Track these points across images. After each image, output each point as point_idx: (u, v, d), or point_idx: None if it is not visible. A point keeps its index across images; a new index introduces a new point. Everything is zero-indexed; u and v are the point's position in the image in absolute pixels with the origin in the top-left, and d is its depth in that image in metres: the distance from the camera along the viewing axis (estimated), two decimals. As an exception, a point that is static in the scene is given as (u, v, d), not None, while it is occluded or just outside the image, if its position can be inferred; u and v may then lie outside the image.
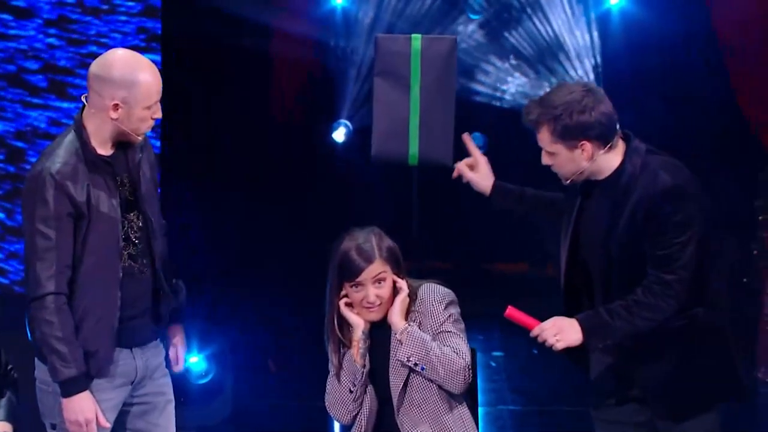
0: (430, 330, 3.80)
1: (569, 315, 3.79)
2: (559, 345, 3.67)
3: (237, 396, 6.99)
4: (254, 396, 7.09)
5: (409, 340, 3.75)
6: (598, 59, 7.50)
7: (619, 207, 3.69)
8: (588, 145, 3.68)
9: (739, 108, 7.11)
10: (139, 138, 3.76)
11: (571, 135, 3.66)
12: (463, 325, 3.86)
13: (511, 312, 3.75)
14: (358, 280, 3.77)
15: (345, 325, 3.86)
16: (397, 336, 3.79)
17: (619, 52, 7.41)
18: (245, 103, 7.37)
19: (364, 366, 3.81)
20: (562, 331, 3.67)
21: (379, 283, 3.78)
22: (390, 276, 3.80)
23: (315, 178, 7.55)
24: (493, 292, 6.56)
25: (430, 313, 3.82)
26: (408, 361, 3.76)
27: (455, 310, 3.84)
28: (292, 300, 7.11)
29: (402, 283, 3.82)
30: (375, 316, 3.82)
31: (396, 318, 3.80)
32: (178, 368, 4.03)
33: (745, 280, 7.29)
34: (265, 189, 7.47)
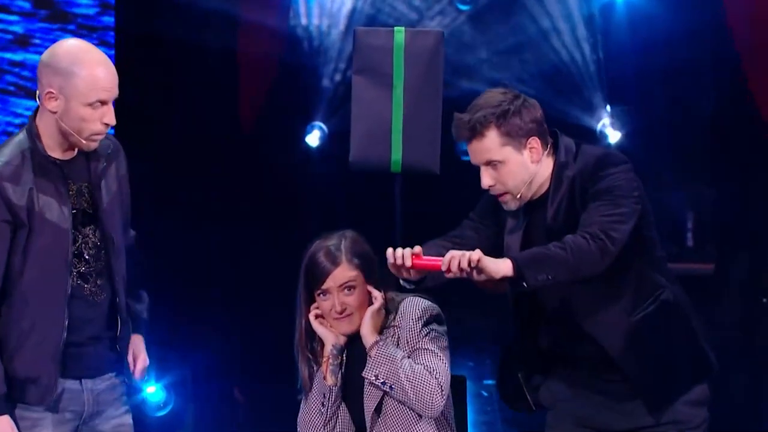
0: (407, 347, 3.79)
1: (523, 338, 3.92)
2: (477, 257, 3.51)
3: (199, 429, 7.03)
4: (218, 429, 7.11)
5: (378, 356, 3.75)
6: (601, 55, 7.48)
7: (555, 194, 3.78)
8: (536, 143, 3.75)
9: (757, 112, 7.09)
10: (87, 144, 3.69)
11: (520, 132, 3.72)
12: (444, 343, 3.83)
13: (417, 262, 3.63)
14: (325, 286, 3.77)
15: (319, 339, 3.86)
16: (367, 351, 3.79)
17: (623, 47, 7.37)
18: (208, 104, 7.32)
19: (335, 384, 3.81)
20: (478, 251, 3.55)
21: (349, 290, 3.77)
22: (362, 284, 3.79)
23: (287, 187, 7.50)
24: (485, 313, 6.52)
25: (408, 329, 3.80)
26: (376, 379, 3.75)
27: (436, 326, 3.83)
28: (261, 321, 7.08)
29: (376, 293, 3.80)
30: (347, 327, 3.80)
31: (366, 331, 3.78)
32: (137, 375, 3.97)
33: (765, 300, 7.30)
34: (232, 199, 7.42)
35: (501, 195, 3.80)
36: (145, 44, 7.10)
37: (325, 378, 3.82)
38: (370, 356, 3.76)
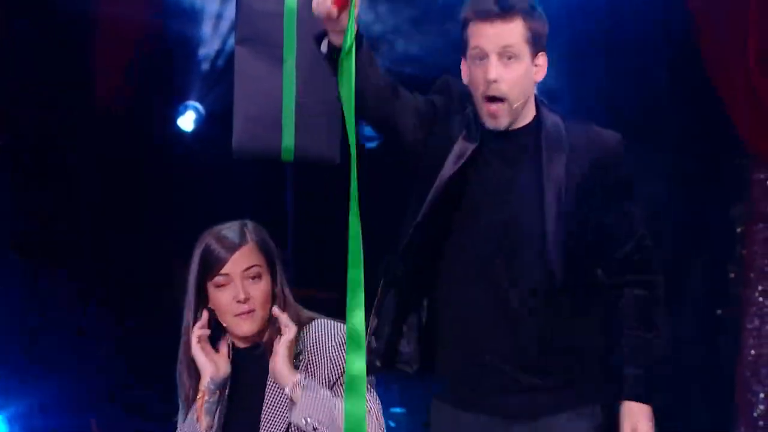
0: (324, 381, 3.68)
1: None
2: None
3: (48, 471, 6.91)
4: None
5: (306, 397, 3.61)
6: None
7: (554, 162, 3.70)
8: (543, 61, 3.70)
9: (715, 92, 6.97)
10: None
11: (540, 40, 3.67)
12: (372, 377, 3.73)
13: None
14: (225, 270, 3.65)
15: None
16: (287, 391, 3.62)
17: (553, 11, 7.30)
18: (57, 79, 7.15)
19: (210, 427, 3.67)
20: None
21: (253, 279, 3.66)
22: (267, 279, 3.68)
23: (154, 179, 7.41)
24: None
25: (329, 359, 3.69)
26: (306, 424, 3.59)
27: None
28: (124, 339, 7.04)
29: (285, 320, 3.64)
30: (248, 326, 3.68)
31: (282, 366, 3.61)
32: None
33: (719, 311, 7.28)
34: (87, 193, 7.28)
35: (497, 101, 3.66)
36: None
37: (198, 419, 3.65)
38: (295, 400, 3.62)
